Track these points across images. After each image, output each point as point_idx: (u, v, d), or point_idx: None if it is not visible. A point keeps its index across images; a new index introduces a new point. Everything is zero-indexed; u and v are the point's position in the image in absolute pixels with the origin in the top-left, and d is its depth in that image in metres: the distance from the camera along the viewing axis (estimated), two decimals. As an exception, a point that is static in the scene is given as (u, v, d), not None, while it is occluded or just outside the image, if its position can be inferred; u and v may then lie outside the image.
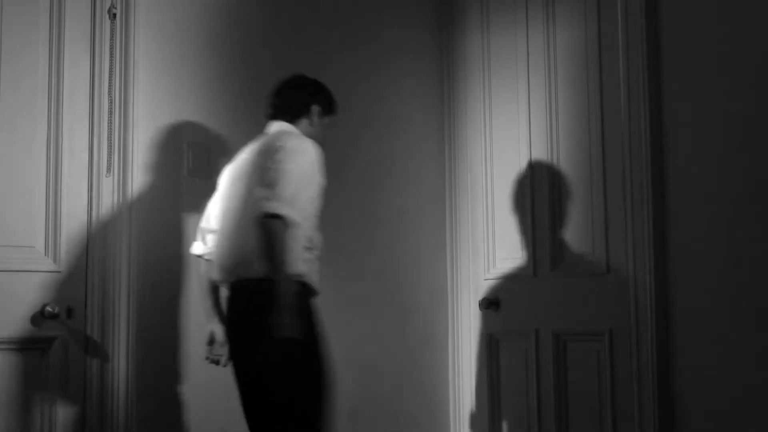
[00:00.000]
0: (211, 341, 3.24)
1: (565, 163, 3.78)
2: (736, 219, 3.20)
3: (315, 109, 3.18)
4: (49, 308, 3.17)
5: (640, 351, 3.43)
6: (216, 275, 3.13)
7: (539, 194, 3.87)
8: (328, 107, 3.23)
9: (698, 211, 3.31)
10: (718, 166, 3.26)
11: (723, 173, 3.25)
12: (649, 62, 3.46)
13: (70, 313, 3.23)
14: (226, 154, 3.68)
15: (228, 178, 3.22)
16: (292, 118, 3.17)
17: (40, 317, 3.18)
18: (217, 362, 3.23)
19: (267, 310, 2.74)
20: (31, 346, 3.17)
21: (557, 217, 3.79)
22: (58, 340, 3.22)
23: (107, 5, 3.41)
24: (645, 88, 3.46)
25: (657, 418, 3.36)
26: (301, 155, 2.92)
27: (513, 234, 3.96)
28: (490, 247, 4.07)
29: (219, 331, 3.19)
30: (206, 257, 3.24)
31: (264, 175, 2.87)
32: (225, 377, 3.57)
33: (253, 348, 2.90)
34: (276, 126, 3.18)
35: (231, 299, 3.05)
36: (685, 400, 3.32)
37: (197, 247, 3.29)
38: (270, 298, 2.74)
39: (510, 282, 3.95)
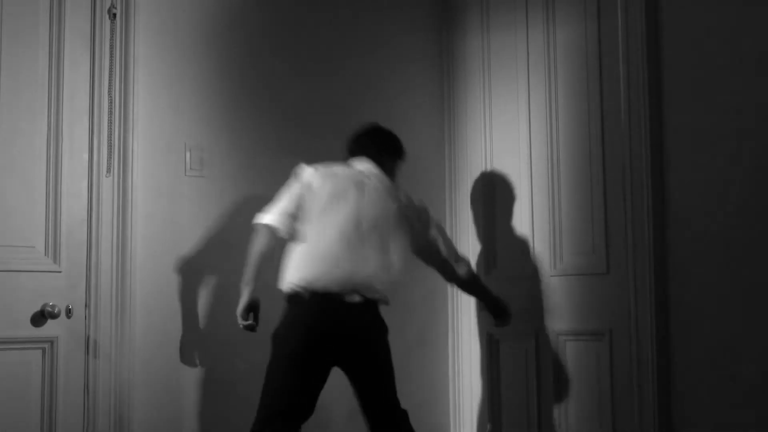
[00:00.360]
0: (251, 308, 3.25)
1: (565, 163, 3.78)
2: (736, 219, 3.20)
3: (387, 157, 3.52)
4: (49, 308, 3.18)
5: (640, 351, 3.43)
6: (331, 281, 3.19)
7: (539, 194, 3.86)
8: (398, 155, 3.58)
9: (698, 211, 3.31)
10: (718, 166, 3.26)
11: (723, 173, 3.25)
12: (649, 62, 3.45)
13: (70, 313, 3.23)
14: (225, 154, 3.68)
15: (334, 187, 3.31)
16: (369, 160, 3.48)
17: (40, 317, 3.18)
18: (252, 328, 3.26)
19: (381, 324, 3.29)
20: (31, 346, 3.17)
21: (557, 217, 3.79)
22: (58, 340, 3.22)
23: (107, 5, 3.41)
24: (645, 89, 3.45)
25: (657, 418, 3.36)
26: None
27: (513, 234, 3.96)
28: (490, 246, 4.07)
29: (257, 299, 3.25)
30: (280, 233, 3.27)
31: (437, 239, 3.53)
32: (224, 376, 3.58)
33: (383, 347, 3.30)
34: (368, 164, 3.44)
35: (348, 309, 3.20)
36: (685, 399, 3.32)
37: (270, 218, 3.29)
38: (378, 316, 3.30)
39: (510, 282, 3.95)
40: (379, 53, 4.16)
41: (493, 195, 4.08)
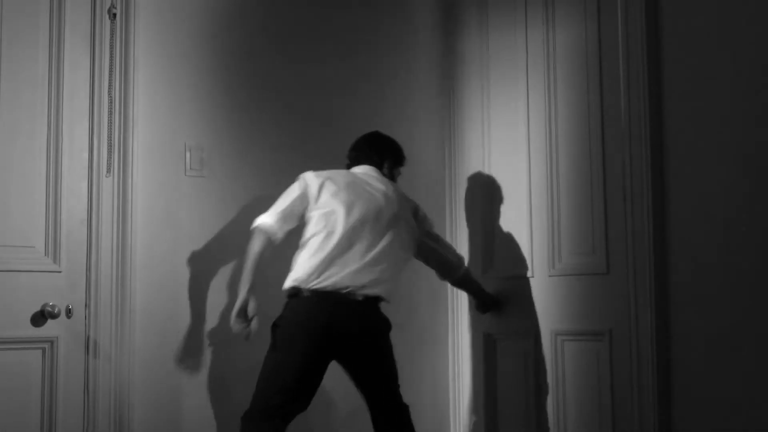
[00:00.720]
0: (244, 312, 3.24)
1: (564, 163, 3.78)
2: (736, 219, 3.20)
3: (387, 162, 3.59)
4: (49, 308, 3.18)
5: (640, 351, 3.42)
6: (335, 280, 3.25)
7: (538, 194, 3.86)
8: (397, 161, 3.65)
9: (698, 211, 3.31)
10: (718, 166, 3.26)
11: (723, 173, 3.25)
12: (649, 62, 3.45)
13: (70, 313, 3.23)
14: (226, 154, 3.68)
15: (336, 190, 3.36)
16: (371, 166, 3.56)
17: (40, 317, 3.18)
18: (247, 336, 3.26)
19: (383, 320, 3.40)
20: (31, 346, 3.18)
21: (557, 217, 3.79)
22: (58, 340, 3.22)
23: (107, 5, 3.41)
24: (645, 88, 3.45)
25: (657, 418, 3.36)
26: None
27: (512, 234, 3.96)
28: (489, 246, 4.07)
29: (252, 301, 3.25)
30: (275, 237, 3.29)
31: (437, 238, 3.72)
32: (224, 376, 3.58)
33: (384, 342, 3.40)
34: (370, 169, 3.53)
35: (359, 306, 3.29)
36: (685, 399, 3.32)
37: (265, 222, 3.30)
38: (380, 312, 3.40)
39: (509, 282, 3.95)
40: (379, 54, 4.16)
41: (492, 195, 4.08)
